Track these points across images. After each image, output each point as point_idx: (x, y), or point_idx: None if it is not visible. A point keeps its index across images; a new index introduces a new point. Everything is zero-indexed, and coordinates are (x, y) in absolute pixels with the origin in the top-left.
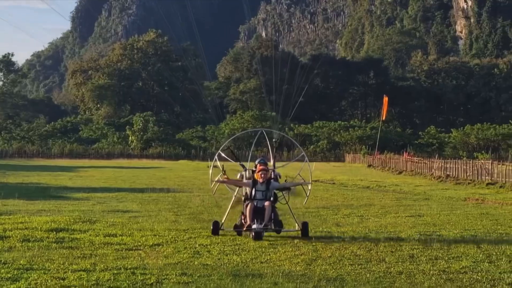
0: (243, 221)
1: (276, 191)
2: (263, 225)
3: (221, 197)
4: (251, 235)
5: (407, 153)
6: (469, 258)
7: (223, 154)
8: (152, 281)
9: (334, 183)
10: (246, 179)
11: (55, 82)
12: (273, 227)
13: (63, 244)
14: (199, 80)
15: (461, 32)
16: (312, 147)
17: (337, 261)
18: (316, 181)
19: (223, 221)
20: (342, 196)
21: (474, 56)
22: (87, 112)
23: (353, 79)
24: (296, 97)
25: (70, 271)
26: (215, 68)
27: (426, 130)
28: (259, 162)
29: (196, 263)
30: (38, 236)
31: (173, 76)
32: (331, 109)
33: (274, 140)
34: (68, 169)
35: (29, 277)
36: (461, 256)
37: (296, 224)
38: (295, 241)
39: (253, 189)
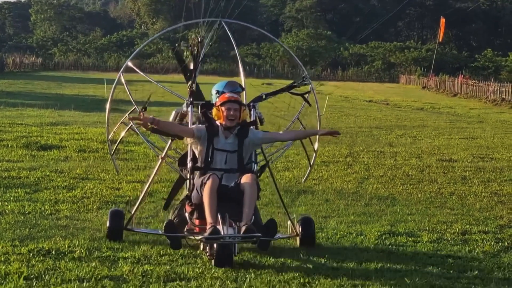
0: (186, 215)
1: (260, 150)
2: (243, 229)
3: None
4: (206, 250)
5: (462, 76)
6: None
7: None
8: None
9: (388, 104)
10: (192, 122)
11: None
12: (258, 234)
13: (118, 156)
14: None
15: None
16: (366, 67)
17: (389, 181)
18: (369, 101)
19: (132, 212)
20: (396, 117)
21: None
22: (142, 26)
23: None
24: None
25: (124, 182)
26: None
27: (482, 53)
28: (222, 89)
29: None
30: (93, 147)
31: None
32: (387, 30)
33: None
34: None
35: (85, 187)
36: None
37: (288, 222)
38: (348, 159)
39: (210, 146)
